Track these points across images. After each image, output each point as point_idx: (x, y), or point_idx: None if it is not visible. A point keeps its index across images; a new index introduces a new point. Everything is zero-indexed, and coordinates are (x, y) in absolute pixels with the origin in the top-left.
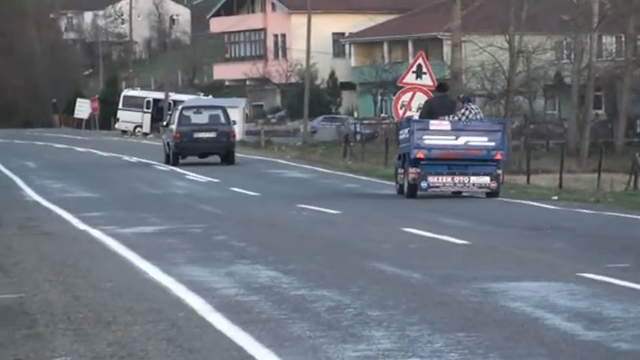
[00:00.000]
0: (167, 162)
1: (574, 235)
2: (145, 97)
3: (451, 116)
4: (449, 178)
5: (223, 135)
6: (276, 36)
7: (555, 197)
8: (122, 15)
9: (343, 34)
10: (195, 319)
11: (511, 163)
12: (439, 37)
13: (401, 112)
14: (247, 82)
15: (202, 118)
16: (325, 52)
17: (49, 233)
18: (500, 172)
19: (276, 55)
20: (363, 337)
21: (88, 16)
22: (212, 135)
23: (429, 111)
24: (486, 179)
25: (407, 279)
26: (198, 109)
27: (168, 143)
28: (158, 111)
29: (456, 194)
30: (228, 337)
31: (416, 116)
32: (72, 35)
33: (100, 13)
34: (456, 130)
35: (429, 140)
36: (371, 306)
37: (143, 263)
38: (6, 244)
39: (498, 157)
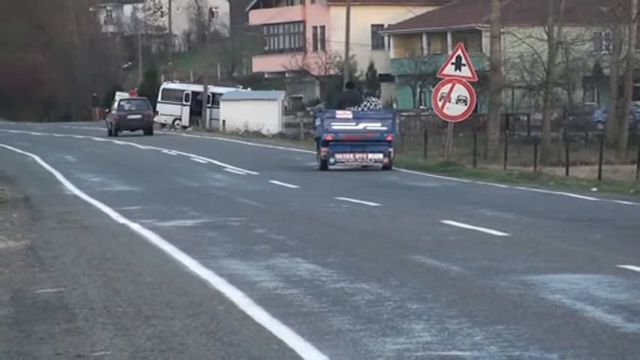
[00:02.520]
0: (109, 135)
1: (613, 226)
2: (183, 90)
3: (356, 107)
4: (351, 155)
5: (146, 117)
6: (315, 28)
7: (594, 189)
8: (161, 8)
9: (382, 25)
10: (234, 312)
11: (550, 155)
12: (478, 28)
13: (440, 103)
14: (286, 75)
15: (132, 105)
16: (364, 44)
17: (88, 227)
18: (391, 150)
19: (315, 48)
20: (403, 330)
21: (128, 9)
22: (138, 117)
23: (339, 103)
24: (380, 156)
25: (446, 271)
26: (129, 100)
27: (111, 122)
28: (197, 104)
29: (365, 168)
30: (268, 330)
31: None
32: (111, 29)
33: (140, 6)
34: (357, 118)
35: (336, 126)
36: (410, 299)
37: (182, 257)
38: (45, 238)
39: (389, 138)
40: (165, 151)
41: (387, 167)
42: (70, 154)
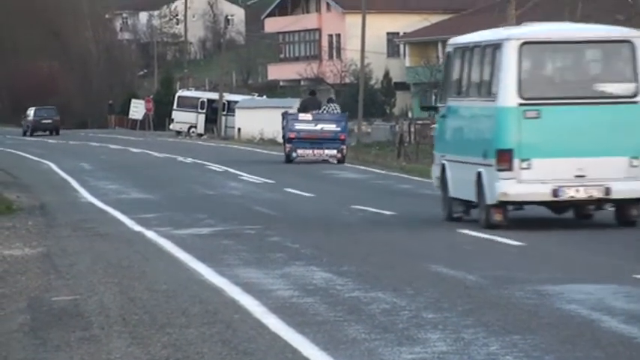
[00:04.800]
0: (24, 135)
1: (630, 237)
2: (199, 98)
3: (317, 111)
4: (310, 151)
5: (54, 121)
6: (330, 36)
7: None
8: (177, 15)
9: (398, 33)
10: (250, 321)
11: None
12: None
13: None
14: (302, 83)
15: (44, 113)
16: (380, 52)
17: (103, 235)
18: (344, 147)
19: (331, 56)
20: (419, 340)
21: (143, 16)
22: (49, 121)
23: (303, 108)
24: (334, 152)
25: (462, 281)
26: (41, 108)
27: (28, 125)
28: (212, 111)
29: (324, 161)
30: (284, 339)
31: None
32: (127, 36)
33: (155, 13)
34: (315, 120)
35: (298, 126)
36: (426, 308)
37: (198, 265)
38: (61, 245)
39: (342, 137)
40: (181, 159)
41: (340, 161)
42: (85, 161)
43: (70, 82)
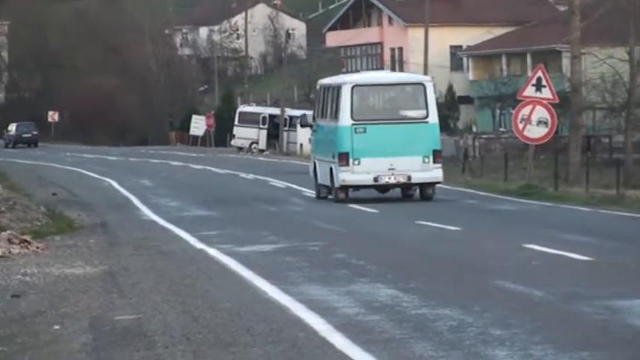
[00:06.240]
0: (6, 147)
1: None
2: (260, 113)
3: None
4: None
5: (33, 136)
6: (392, 49)
7: None
8: (237, 30)
9: (461, 47)
10: (315, 339)
11: (632, 178)
12: (558, 49)
13: (521, 125)
14: None
15: (25, 128)
16: (443, 65)
17: (166, 253)
18: None
19: (393, 69)
20: (486, 357)
21: (204, 31)
22: (29, 135)
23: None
24: None
25: (529, 297)
26: (20, 124)
27: (9, 139)
28: (274, 127)
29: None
30: (350, 357)
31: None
32: (187, 51)
33: (215, 28)
34: None
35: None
36: (493, 325)
37: (261, 282)
38: (123, 264)
39: None
40: (243, 175)
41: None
42: (146, 178)
43: (130, 98)
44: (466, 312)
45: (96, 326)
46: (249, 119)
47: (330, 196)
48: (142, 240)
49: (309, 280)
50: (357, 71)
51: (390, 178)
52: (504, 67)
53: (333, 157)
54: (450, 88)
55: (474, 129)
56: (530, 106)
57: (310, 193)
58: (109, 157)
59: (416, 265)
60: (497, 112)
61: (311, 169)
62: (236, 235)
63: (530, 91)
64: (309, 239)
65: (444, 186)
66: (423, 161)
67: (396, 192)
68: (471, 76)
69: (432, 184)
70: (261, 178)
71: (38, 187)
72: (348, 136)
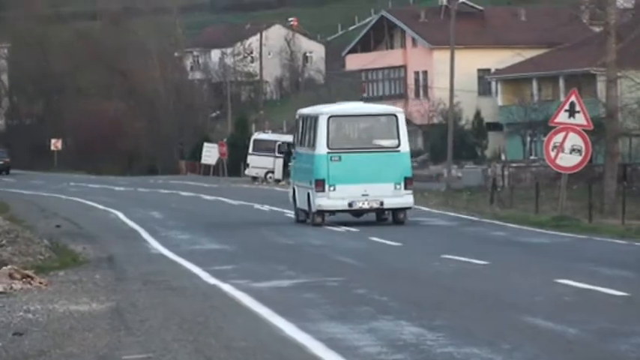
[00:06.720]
0: None
1: None
2: (276, 141)
3: None
4: None
5: (5, 162)
6: (417, 73)
7: None
8: (252, 53)
9: (489, 70)
10: None
11: None
12: (592, 72)
13: (553, 153)
14: None
15: None
16: (470, 90)
17: (176, 288)
18: None
19: (417, 94)
20: None
21: (215, 54)
22: (0, 162)
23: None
24: None
25: (562, 334)
26: None
27: None
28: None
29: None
30: None
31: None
32: (198, 75)
33: (228, 51)
34: None
35: None
36: None
37: (278, 320)
38: (130, 300)
39: None
40: (258, 206)
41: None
42: (155, 210)
43: (138, 125)
44: (495, 350)
45: None
46: (264, 147)
47: (307, 220)
48: (150, 275)
49: (329, 317)
50: (380, 98)
51: (363, 204)
52: (535, 91)
53: (311, 183)
54: (478, 114)
55: (503, 157)
56: (562, 133)
57: (331, 226)
58: (116, 188)
59: (441, 301)
60: (528, 139)
61: (290, 194)
62: (251, 270)
63: (562, 117)
64: (327, 274)
65: (471, 217)
66: (395, 187)
67: (371, 216)
68: (499, 101)
69: (403, 209)
70: (277, 209)
71: (41, 218)
72: (324, 164)
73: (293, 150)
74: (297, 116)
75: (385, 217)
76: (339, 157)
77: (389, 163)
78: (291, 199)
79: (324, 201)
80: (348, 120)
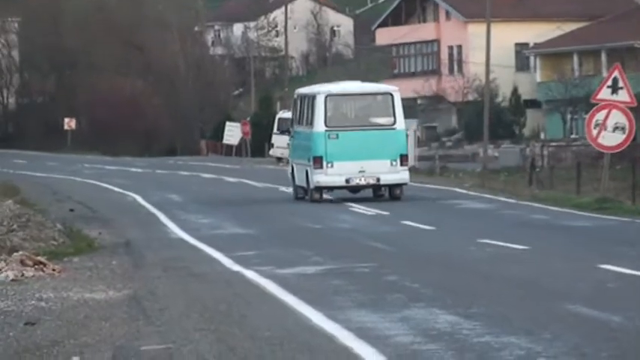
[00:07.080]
0: None
1: None
2: None
3: None
4: None
5: None
6: (450, 48)
7: None
8: (276, 27)
9: (527, 44)
10: None
11: None
12: (636, 46)
13: (594, 132)
14: (419, 101)
15: None
16: (507, 65)
17: (197, 275)
18: None
19: (451, 70)
20: None
21: (238, 28)
22: None
23: None
24: None
25: (606, 323)
26: None
27: None
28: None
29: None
30: None
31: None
32: (220, 50)
33: (252, 25)
34: None
35: None
36: (565, 354)
37: (305, 308)
38: (150, 287)
39: None
40: (283, 188)
41: None
42: (175, 192)
43: (156, 103)
44: (534, 340)
45: (119, 357)
46: None
47: (306, 197)
48: (170, 261)
49: (358, 305)
50: (412, 74)
51: (360, 180)
52: (576, 66)
53: (309, 160)
54: (515, 91)
55: (542, 136)
56: (605, 111)
57: (363, 209)
58: (133, 169)
59: (478, 288)
60: (568, 117)
61: (289, 171)
62: (276, 256)
63: (605, 93)
64: (357, 260)
65: (508, 199)
66: (391, 164)
67: (367, 192)
68: (538, 77)
69: (399, 185)
70: None
71: (53, 202)
72: (322, 142)
73: (291, 129)
74: (295, 96)
75: (382, 194)
76: (337, 135)
77: (385, 141)
78: (289, 176)
79: (322, 177)
80: (345, 99)
